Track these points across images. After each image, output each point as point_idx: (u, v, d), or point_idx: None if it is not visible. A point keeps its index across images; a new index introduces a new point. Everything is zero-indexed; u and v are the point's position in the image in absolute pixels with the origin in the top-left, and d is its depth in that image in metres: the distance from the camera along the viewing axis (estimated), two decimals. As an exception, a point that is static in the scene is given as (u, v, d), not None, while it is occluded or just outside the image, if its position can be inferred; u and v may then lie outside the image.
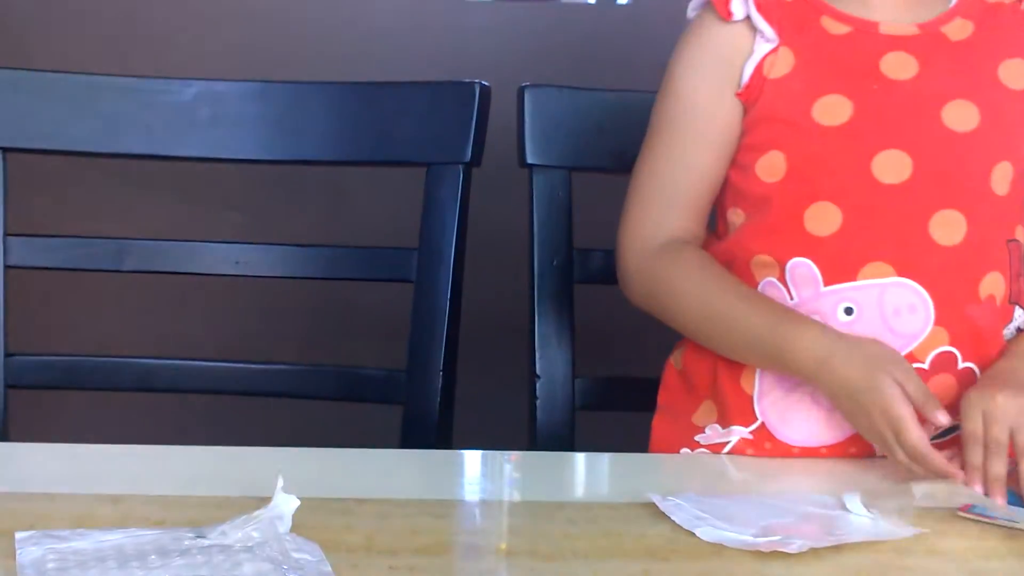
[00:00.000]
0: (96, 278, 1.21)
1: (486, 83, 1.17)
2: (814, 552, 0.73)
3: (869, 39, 1.01)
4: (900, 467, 0.89)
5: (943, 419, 0.87)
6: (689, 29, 1.06)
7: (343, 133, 1.19)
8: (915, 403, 0.87)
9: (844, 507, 0.83)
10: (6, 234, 1.15)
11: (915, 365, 0.96)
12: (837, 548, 0.75)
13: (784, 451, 1.00)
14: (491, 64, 1.82)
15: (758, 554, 0.73)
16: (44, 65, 1.22)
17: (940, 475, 0.85)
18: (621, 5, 2.00)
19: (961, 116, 0.99)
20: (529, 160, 1.18)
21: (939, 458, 0.86)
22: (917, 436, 0.85)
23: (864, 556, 0.74)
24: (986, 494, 0.85)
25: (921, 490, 0.83)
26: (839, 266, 0.98)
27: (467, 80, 1.17)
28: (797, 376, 0.96)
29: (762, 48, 1.02)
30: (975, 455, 0.86)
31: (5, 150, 1.15)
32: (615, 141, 1.17)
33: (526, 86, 1.18)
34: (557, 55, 1.86)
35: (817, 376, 0.93)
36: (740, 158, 1.04)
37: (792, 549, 0.73)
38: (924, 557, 0.75)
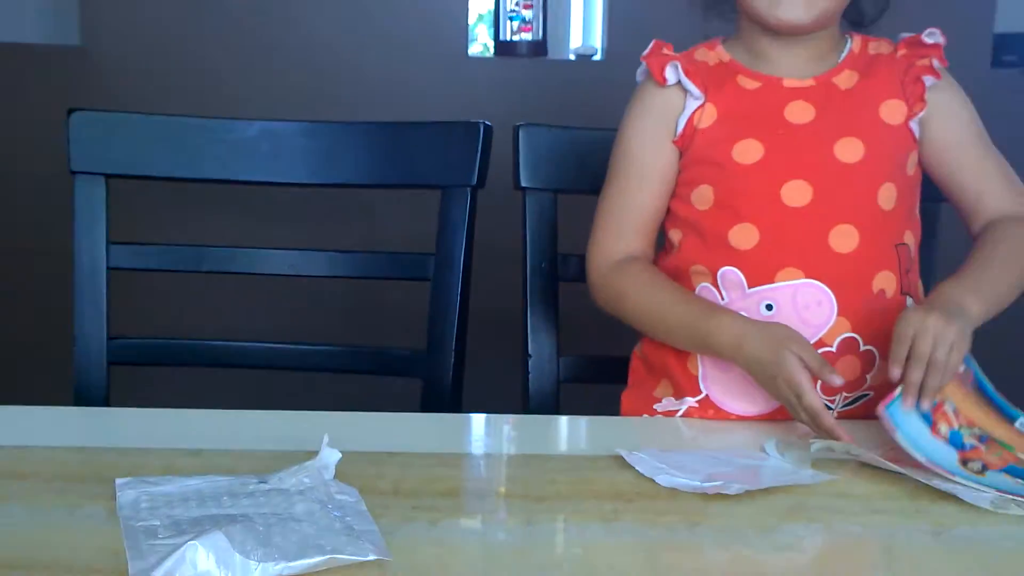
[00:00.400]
0: (179, 277, 1.21)
1: (488, 123, 1.17)
2: (748, 494, 0.74)
3: (775, 91, 1.01)
4: (803, 425, 0.89)
5: (837, 380, 0.87)
6: (634, 95, 1.06)
7: (375, 163, 1.19)
8: (812, 370, 0.87)
9: (767, 454, 0.84)
10: (109, 242, 1.15)
11: (824, 349, 0.96)
12: (766, 491, 0.75)
13: (724, 417, 1.00)
14: (493, 107, 1.82)
15: (704, 496, 0.74)
16: (137, 108, 1.22)
17: (828, 431, 0.85)
18: (596, 61, 2.00)
19: (850, 150, 0.99)
20: (522, 184, 1.18)
21: (830, 418, 0.86)
22: (813, 398, 0.86)
23: (787, 497, 0.75)
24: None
25: (817, 445, 0.83)
26: (759, 273, 0.98)
27: (474, 120, 1.17)
28: (719, 357, 0.96)
29: (691, 105, 1.02)
30: (901, 352, 0.85)
31: (107, 176, 1.15)
32: (591, 169, 1.16)
33: (520, 125, 1.18)
34: (545, 100, 1.87)
35: (735, 356, 0.93)
36: (678, 191, 1.04)
37: (731, 491, 0.74)
38: (835, 498, 0.76)
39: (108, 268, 1.15)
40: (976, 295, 0.92)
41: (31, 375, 1.85)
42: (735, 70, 1.03)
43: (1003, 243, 0.99)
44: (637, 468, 0.79)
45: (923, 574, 0.67)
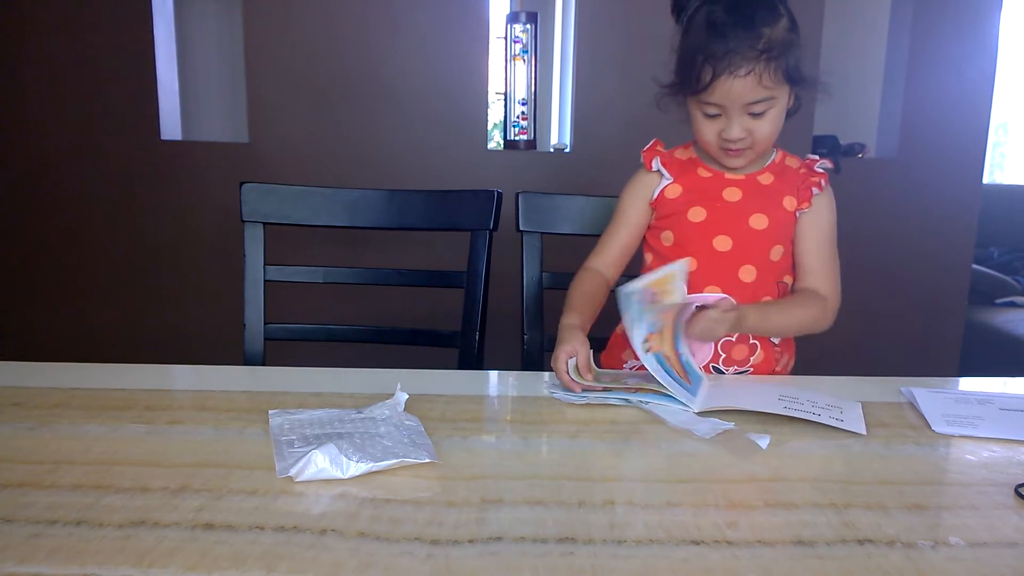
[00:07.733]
0: (308, 285, 1.21)
1: (500, 190, 1.17)
2: (655, 423, 0.73)
3: (719, 180, 1.00)
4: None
5: (589, 376, 0.84)
6: (632, 175, 1.05)
7: (431, 214, 1.19)
8: (580, 361, 0.85)
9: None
10: (265, 264, 1.15)
11: (727, 337, 0.96)
12: (652, 419, 0.75)
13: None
14: (503, 181, 1.83)
15: (635, 422, 0.74)
16: (283, 181, 1.22)
17: (564, 384, 0.83)
18: (566, 152, 2.00)
19: (759, 221, 0.97)
20: (521, 228, 1.18)
21: (565, 376, 0.83)
22: (562, 368, 0.83)
23: (662, 427, 0.74)
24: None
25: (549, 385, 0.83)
26: (696, 286, 0.97)
27: (491, 189, 1.17)
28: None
29: (664, 183, 1.01)
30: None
31: (265, 223, 1.15)
32: (563, 219, 1.17)
33: (520, 192, 1.18)
34: (535, 176, 1.87)
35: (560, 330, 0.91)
36: (653, 230, 1.03)
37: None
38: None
39: (265, 280, 1.15)
40: (757, 311, 0.92)
41: (218, 346, 1.86)
42: (697, 164, 1.02)
43: (798, 300, 0.99)
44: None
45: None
